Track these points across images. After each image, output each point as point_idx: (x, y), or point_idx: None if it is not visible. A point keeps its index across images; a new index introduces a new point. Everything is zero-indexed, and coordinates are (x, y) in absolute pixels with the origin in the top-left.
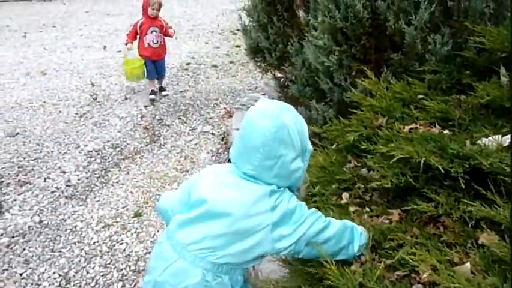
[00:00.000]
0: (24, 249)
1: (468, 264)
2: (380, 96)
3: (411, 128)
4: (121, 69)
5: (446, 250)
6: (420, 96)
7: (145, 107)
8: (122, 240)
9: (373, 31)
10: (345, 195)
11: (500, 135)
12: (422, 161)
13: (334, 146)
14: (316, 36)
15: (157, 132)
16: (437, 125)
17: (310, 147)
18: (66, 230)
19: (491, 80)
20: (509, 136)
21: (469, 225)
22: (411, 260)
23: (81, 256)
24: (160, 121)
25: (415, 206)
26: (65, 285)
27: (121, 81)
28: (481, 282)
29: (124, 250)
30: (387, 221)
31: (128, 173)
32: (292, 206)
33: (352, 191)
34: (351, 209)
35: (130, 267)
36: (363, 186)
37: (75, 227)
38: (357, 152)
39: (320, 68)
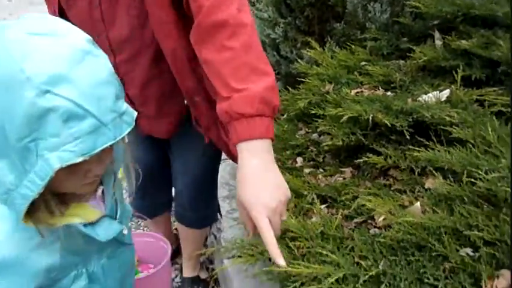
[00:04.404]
0: None
1: (418, 204)
2: (326, 65)
3: (357, 92)
4: None
5: (397, 196)
6: (363, 63)
7: None
8: None
9: (316, 2)
10: (299, 159)
11: (438, 91)
12: (370, 118)
13: (285, 115)
14: (260, 9)
15: None
16: (380, 88)
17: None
18: None
19: (427, 44)
20: (447, 91)
21: (416, 173)
22: (367, 208)
23: None
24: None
25: (366, 159)
26: None
27: None
28: (431, 217)
29: None
30: (341, 179)
31: None
32: None
33: (305, 154)
34: (306, 171)
35: None
36: (315, 149)
37: None
38: (308, 119)
39: (266, 40)
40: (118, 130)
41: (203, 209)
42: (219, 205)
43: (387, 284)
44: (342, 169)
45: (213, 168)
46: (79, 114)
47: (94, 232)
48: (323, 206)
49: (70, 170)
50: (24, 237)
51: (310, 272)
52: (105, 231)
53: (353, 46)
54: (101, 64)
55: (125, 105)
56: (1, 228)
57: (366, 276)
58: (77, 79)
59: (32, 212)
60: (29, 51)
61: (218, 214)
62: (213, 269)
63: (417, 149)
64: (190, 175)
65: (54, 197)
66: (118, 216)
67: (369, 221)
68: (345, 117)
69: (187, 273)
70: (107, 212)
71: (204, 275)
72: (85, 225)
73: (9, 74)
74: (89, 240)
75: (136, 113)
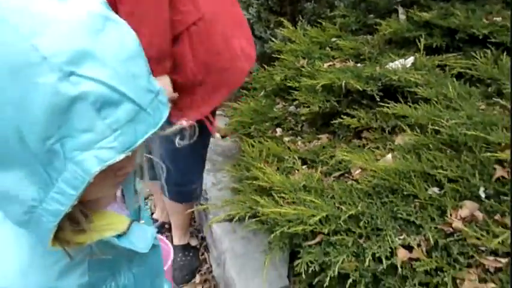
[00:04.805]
0: None
1: (389, 155)
2: (299, 42)
3: (330, 65)
4: None
5: (371, 152)
6: (334, 39)
7: None
8: None
9: None
10: (278, 129)
11: (403, 59)
12: (343, 84)
13: (262, 92)
14: None
15: None
16: (350, 61)
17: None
18: None
19: (392, 18)
20: (411, 58)
21: (386, 131)
22: (344, 165)
23: None
24: None
25: (341, 120)
26: None
27: None
28: (402, 163)
29: None
30: (319, 143)
31: None
32: None
33: (284, 125)
34: (286, 139)
35: None
36: (293, 120)
37: None
38: (284, 94)
39: None
40: (157, 114)
41: (182, 183)
42: (201, 188)
43: (366, 222)
44: (319, 136)
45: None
46: (113, 99)
47: (132, 244)
48: (303, 167)
49: (103, 171)
50: (47, 265)
51: (297, 213)
52: (142, 239)
53: (323, 23)
54: (125, 32)
55: (156, 83)
56: (17, 258)
57: (346, 216)
58: (103, 54)
59: (56, 232)
60: (37, 22)
61: (200, 195)
62: (202, 238)
63: (386, 105)
64: (164, 144)
65: (83, 208)
66: (141, 216)
67: (346, 175)
68: (319, 85)
69: (177, 241)
70: (131, 216)
71: (194, 243)
72: (118, 237)
73: (16, 55)
74: (120, 250)
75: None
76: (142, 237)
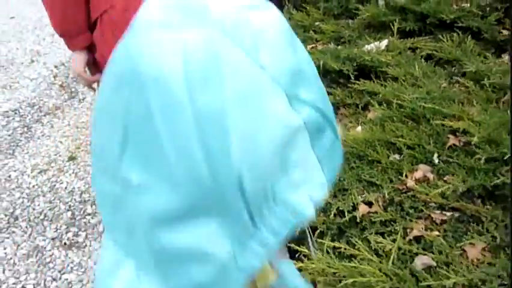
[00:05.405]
0: None
1: (359, 127)
2: None
3: (312, 47)
4: (19, 34)
5: (343, 126)
6: (317, 23)
7: (56, 67)
8: (61, 180)
9: None
10: None
11: (378, 42)
12: (321, 64)
13: None
14: None
15: (73, 89)
16: (332, 43)
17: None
18: (0, 180)
19: (371, 3)
20: (385, 41)
21: (360, 107)
22: None
23: (23, 198)
24: (74, 79)
25: None
26: (14, 221)
27: (23, 45)
28: (368, 133)
29: (66, 188)
30: None
31: (52, 126)
32: None
33: None
34: None
35: (75, 199)
36: None
37: (9, 176)
38: None
39: None
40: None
41: None
42: None
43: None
44: None
45: None
46: (321, 126)
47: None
48: None
49: None
50: None
51: None
52: (294, 276)
53: (308, 8)
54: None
55: None
56: None
57: None
58: (306, 70)
59: None
60: (255, 38)
61: None
62: None
63: (358, 82)
64: None
65: None
66: None
67: None
68: None
69: None
70: None
71: None
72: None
73: (247, 81)
74: None
75: None
76: (292, 274)
